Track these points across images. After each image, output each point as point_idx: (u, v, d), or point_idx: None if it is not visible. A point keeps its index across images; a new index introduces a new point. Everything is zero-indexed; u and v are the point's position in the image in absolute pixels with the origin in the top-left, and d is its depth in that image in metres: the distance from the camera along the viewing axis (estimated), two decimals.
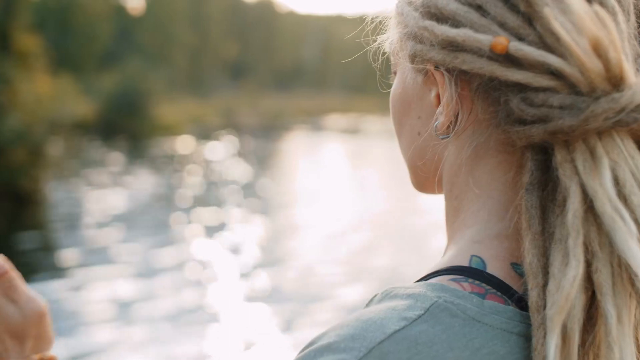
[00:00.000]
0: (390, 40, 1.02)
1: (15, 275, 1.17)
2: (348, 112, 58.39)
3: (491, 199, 0.89)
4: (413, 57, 0.92)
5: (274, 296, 9.56)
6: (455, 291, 0.82)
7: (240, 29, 68.75)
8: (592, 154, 0.79)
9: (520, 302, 0.84)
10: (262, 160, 27.71)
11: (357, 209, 16.92)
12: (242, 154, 28.54)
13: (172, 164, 24.73)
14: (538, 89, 0.80)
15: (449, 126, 0.90)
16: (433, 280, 0.85)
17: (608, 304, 0.77)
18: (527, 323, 0.82)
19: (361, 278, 10.61)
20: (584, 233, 0.78)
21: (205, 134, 35.84)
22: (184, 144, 31.45)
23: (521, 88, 0.81)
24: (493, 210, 0.89)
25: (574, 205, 0.78)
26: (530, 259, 0.81)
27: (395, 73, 1.03)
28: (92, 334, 8.23)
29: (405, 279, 10.23)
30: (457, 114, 0.89)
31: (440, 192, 0.99)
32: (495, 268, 0.86)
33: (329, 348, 0.78)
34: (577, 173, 0.79)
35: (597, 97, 0.77)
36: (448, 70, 0.88)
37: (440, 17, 0.88)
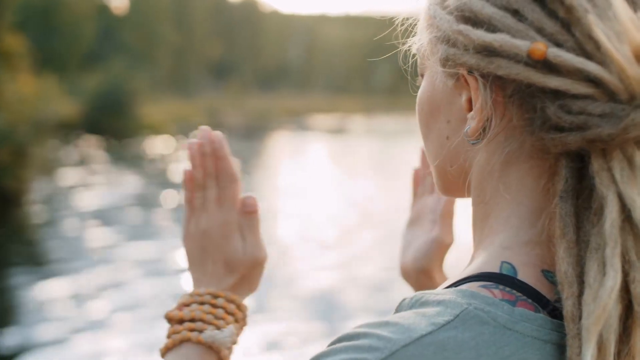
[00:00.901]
0: (420, 43, 1.01)
1: (259, 218, 1.22)
2: (332, 111, 58.43)
3: (522, 205, 0.88)
4: (445, 61, 0.91)
5: (257, 296, 9.60)
6: (485, 298, 0.81)
7: (225, 29, 68.72)
8: (630, 162, 0.78)
9: (552, 309, 0.83)
10: (246, 160, 27.73)
11: (342, 207, 16.99)
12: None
13: (155, 163, 24.73)
14: (576, 97, 0.78)
15: (479, 131, 0.89)
16: (463, 287, 0.84)
17: None
18: (558, 331, 0.81)
19: (346, 275, 10.68)
20: (621, 243, 0.77)
21: (189, 134, 35.83)
22: (168, 143, 31.43)
23: (558, 95, 0.80)
24: (524, 216, 0.88)
25: (612, 214, 0.77)
26: (565, 267, 0.80)
27: (422, 76, 1.02)
28: (69, 329, 8.28)
29: (390, 276, 10.35)
30: (489, 120, 0.88)
31: (467, 196, 0.99)
32: (526, 275, 0.85)
33: (353, 347, 0.77)
34: (614, 182, 0.78)
35: (637, 105, 0.76)
36: (482, 75, 0.86)
37: (475, 21, 0.86)
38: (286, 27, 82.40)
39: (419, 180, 1.45)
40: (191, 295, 1.17)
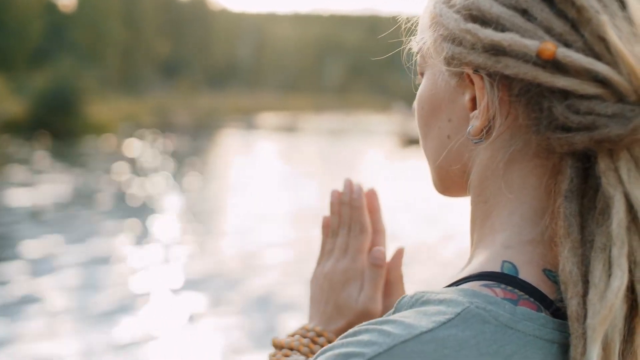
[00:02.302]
0: (422, 41, 1.01)
1: (383, 273, 1.22)
2: (282, 110, 58.57)
3: (524, 204, 0.89)
4: (450, 60, 0.92)
5: (197, 291, 9.74)
6: (487, 297, 0.81)
7: (174, 27, 68.37)
8: (637, 163, 0.79)
9: (554, 309, 0.84)
10: (195, 158, 27.75)
11: (290, 205, 17.12)
12: (175, 152, 28.51)
13: (102, 162, 24.62)
14: (583, 97, 0.79)
15: (482, 130, 0.91)
16: (464, 286, 0.84)
17: None
18: (560, 331, 0.82)
19: (295, 271, 10.81)
20: (627, 243, 0.78)
21: (138, 133, 35.69)
22: (115, 142, 31.26)
23: (566, 95, 0.81)
24: (525, 215, 0.89)
25: (619, 214, 0.78)
26: (569, 267, 0.80)
27: (422, 75, 1.03)
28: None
29: None
30: (493, 119, 0.89)
31: (465, 195, 1.01)
32: (528, 274, 0.86)
33: (353, 342, 0.78)
34: (621, 182, 0.78)
35: None
36: (489, 75, 0.87)
37: (483, 20, 0.87)
38: (236, 26, 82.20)
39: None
40: (301, 327, 1.21)
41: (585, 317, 0.78)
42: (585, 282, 0.79)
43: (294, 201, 17.85)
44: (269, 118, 53.05)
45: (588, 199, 0.82)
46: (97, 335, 8.08)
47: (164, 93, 55.89)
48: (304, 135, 41.54)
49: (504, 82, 0.86)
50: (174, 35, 67.79)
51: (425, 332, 0.76)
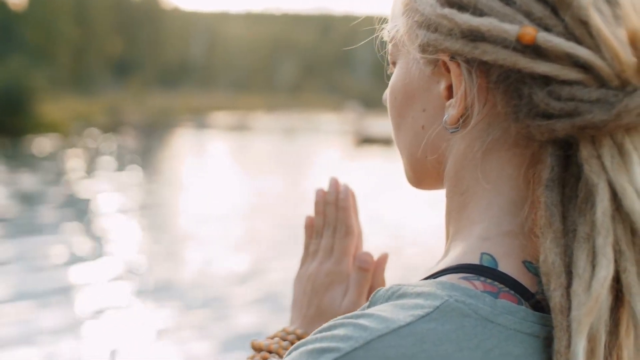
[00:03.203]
0: (394, 29, 0.98)
1: (369, 277, 1.20)
2: (235, 109, 58.55)
3: (502, 195, 0.87)
4: (425, 47, 0.89)
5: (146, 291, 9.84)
6: (466, 290, 0.79)
7: (125, 26, 68.03)
8: (620, 150, 0.76)
9: (534, 302, 0.82)
10: (147, 157, 27.77)
11: (242, 203, 17.21)
12: (127, 151, 28.48)
13: (53, 162, 24.55)
14: (565, 82, 0.77)
15: (459, 119, 0.88)
16: (442, 279, 0.82)
17: (638, 305, 0.76)
18: (541, 324, 0.79)
19: (247, 269, 10.95)
20: (612, 232, 0.76)
21: (90, 132, 35.60)
22: (66, 142, 31.13)
23: (546, 81, 0.78)
24: (503, 206, 0.87)
25: (603, 203, 0.76)
26: (552, 258, 0.78)
27: (394, 64, 1.01)
28: None
29: (286, 265, 10.77)
30: (470, 107, 0.87)
31: (440, 187, 0.98)
32: (507, 266, 0.83)
33: (328, 337, 0.76)
34: (604, 169, 0.76)
35: (630, 91, 0.75)
36: (467, 61, 0.85)
37: (460, 5, 0.84)
38: (188, 24, 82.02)
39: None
40: (282, 330, 1.18)
41: (569, 309, 0.76)
42: (569, 273, 0.77)
43: (245, 200, 17.97)
44: (221, 117, 53.01)
45: (569, 187, 0.80)
46: (38, 334, 8.10)
47: (116, 92, 55.66)
48: (256, 134, 41.62)
49: (481, 68, 0.84)
50: (126, 34, 67.48)
51: (404, 326, 0.74)
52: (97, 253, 11.76)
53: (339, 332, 0.75)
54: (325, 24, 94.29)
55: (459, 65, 0.85)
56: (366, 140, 33.48)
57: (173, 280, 10.32)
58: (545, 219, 0.79)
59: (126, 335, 8.11)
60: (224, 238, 13.32)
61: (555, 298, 0.77)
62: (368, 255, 1.19)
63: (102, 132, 36.15)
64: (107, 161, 24.99)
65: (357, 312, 0.79)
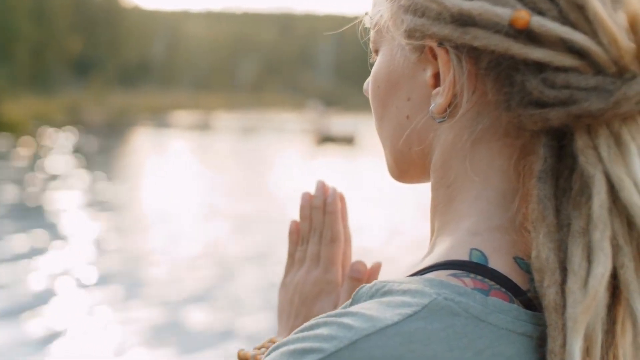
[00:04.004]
0: (377, 15, 0.93)
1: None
2: (195, 108, 58.45)
3: (491, 188, 0.83)
4: (411, 33, 0.84)
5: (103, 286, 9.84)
6: (456, 287, 0.75)
7: (85, 24, 67.70)
8: (617, 140, 0.73)
9: (525, 300, 0.78)
10: (107, 157, 27.72)
11: (204, 202, 17.26)
12: (87, 150, 28.39)
13: (11, 161, 24.44)
14: (559, 69, 0.74)
15: (446, 108, 0.84)
16: (430, 276, 0.78)
17: (637, 302, 0.73)
18: (533, 323, 0.76)
19: (213, 268, 11.01)
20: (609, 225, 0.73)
21: (49, 131, 35.42)
22: (24, 141, 30.93)
23: (540, 68, 0.75)
24: (493, 199, 0.83)
25: (600, 195, 0.72)
26: (546, 253, 0.74)
27: (376, 52, 0.95)
28: None
29: (249, 262, 10.89)
30: (457, 95, 0.83)
31: (424, 180, 0.94)
32: (498, 262, 0.79)
33: (310, 336, 0.72)
34: (601, 160, 0.73)
35: (628, 78, 0.72)
36: (456, 47, 0.81)
37: None
38: (148, 23, 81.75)
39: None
40: (268, 340, 1.13)
41: (564, 306, 0.73)
42: (563, 270, 0.74)
43: (205, 198, 18.00)
44: (182, 116, 52.95)
45: (563, 179, 0.76)
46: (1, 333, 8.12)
47: (76, 91, 55.44)
48: (217, 133, 41.65)
49: (471, 54, 0.80)
50: (85, 33, 67.16)
51: (391, 325, 0.70)
52: (53, 251, 11.73)
53: (322, 331, 0.71)
54: (286, 22, 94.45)
55: (447, 51, 0.81)
56: (327, 138, 33.64)
57: (130, 278, 10.35)
58: (538, 212, 0.76)
59: (80, 337, 8.15)
60: (184, 236, 13.34)
61: (549, 295, 0.73)
62: (361, 264, 1.13)
63: (61, 131, 35.96)
64: (65, 160, 24.87)
65: (340, 310, 0.75)
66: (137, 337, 8.03)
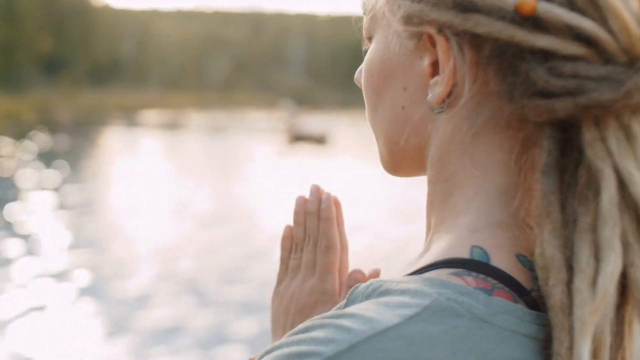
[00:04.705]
0: (371, 0, 0.89)
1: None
2: (166, 107, 58.28)
3: (491, 182, 0.79)
4: (409, 18, 0.80)
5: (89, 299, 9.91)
6: (458, 287, 0.70)
7: (55, 23, 67.40)
8: (627, 132, 0.69)
9: (528, 299, 0.74)
10: (77, 156, 27.61)
11: (174, 201, 17.30)
12: (56, 150, 28.32)
13: None
14: (567, 58, 0.69)
15: (444, 99, 0.80)
16: (430, 275, 0.74)
17: None
18: (537, 324, 0.71)
19: (169, 267, 11.11)
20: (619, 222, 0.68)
21: (19, 131, 35.26)
22: None
23: (546, 56, 0.70)
24: (493, 194, 0.79)
25: (610, 191, 0.68)
26: (551, 251, 0.70)
27: (369, 39, 0.91)
28: None
29: (228, 260, 11.09)
30: (457, 85, 0.79)
31: (419, 173, 0.90)
32: (500, 260, 0.75)
33: (306, 339, 0.68)
34: (610, 154, 0.69)
35: (639, 68, 0.68)
36: (457, 34, 0.76)
37: None
38: (118, 22, 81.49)
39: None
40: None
41: (571, 307, 0.69)
42: (569, 268, 0.70)
43: (175, 198, 18.05)
44: (152, 115, 52.74)
45: (569, 174, 0.73)
46: None
47: (46, 90, 55.23)
48: (188, 132, 41.58)
49: (472, 42, 0.76)
50: (55, 32, 66.85)
51: (391, 327, 0.66)
52: (22, 252, 11.72)
53: (319, 334, 0.68)
54: (256, 21, 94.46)
55: (447, 39, 0.77)
56: (299, 137, 33.81)
57: (97, 278, 10.39)
58: (542, 208, 0.72)
59: (49, 335, 8.22)
60: (152, 236, 13.37)
61: (555, 295, 0.70)
62: (359, 272, 1.09)
63: (31, 130, 35.86)
64: (35, 160, 24.82)
65: (336, 311, 0.72)
66: (98, 337, 8.14)
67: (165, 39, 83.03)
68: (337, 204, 1.10)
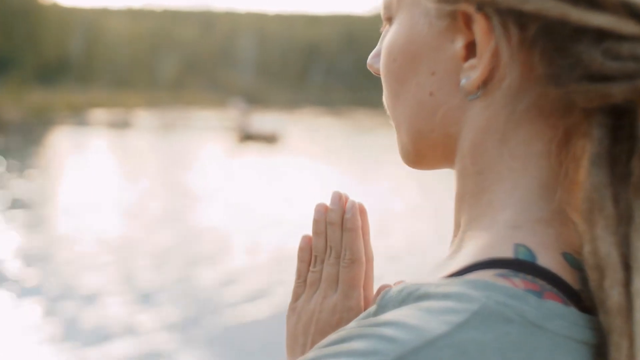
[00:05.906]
0: None
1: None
2: (115, 106, 57.81)
3: (530, 175, 0.72)
4: None
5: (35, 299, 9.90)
6: (506, 289, 0.64)
7: (2, 21, 66.63)
8: None
9: (577, 300, 0.67)
10: (24, 155, 27.47)
11: (123, 201, 17.23)
12: (3, 149, 28.00)
13: None
14: (623, 38, 0.63)
15: (480, 84, 0.72)
16: (472, 276, 0.67)
17: None
18: (591, 328, 0.65)
19: (121, 270, 11.16)
20: None
21: None
22: None
23: (601, 36, 0.64)
24: (533, 188, 0.72)
25: None
26: (606, 248, 0.64)
27: (389, 20, 0.83)
28: None
29: (176, 258, 11.16)
30: (497, 69, 0.70)
31: (444, 166, 0.83)
32: (547, 259, 0.68)
33: (346, 352, 0.62)
34: None
35: None
36: (499, 12, 0.68)
37: None
38: (67, 20, 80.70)
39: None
40: None
41: (630, 310, 0.63)
42: (627, 268, 0.64)
43: (124, 197, 17.97)
44: (101, 114, 52.36)
45: (621, 165, 0.66)
46: None
47: None
48: (137, 131, 41.36)
49: (517, 21, 0.68)
50: (2, 30, 66.08)
51: (441, 335, 0.60)
52: None
53: (359, 345, 0.62)
54: (206, 20, 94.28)
55: (487, 18, 0.70)
56: (249, 137, 33.94)
57: (45, 280, 10.35)
58: (594, 202, 0.66)
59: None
60: (99, 237, 13.29)
61: (613, 297, 0.64)
62: (389, 288, 0.93)
63: None
64: None
65: (373, 319, 0.65)
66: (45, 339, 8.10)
67: (114, 38, 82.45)
68: (362, 211, 0.99)
